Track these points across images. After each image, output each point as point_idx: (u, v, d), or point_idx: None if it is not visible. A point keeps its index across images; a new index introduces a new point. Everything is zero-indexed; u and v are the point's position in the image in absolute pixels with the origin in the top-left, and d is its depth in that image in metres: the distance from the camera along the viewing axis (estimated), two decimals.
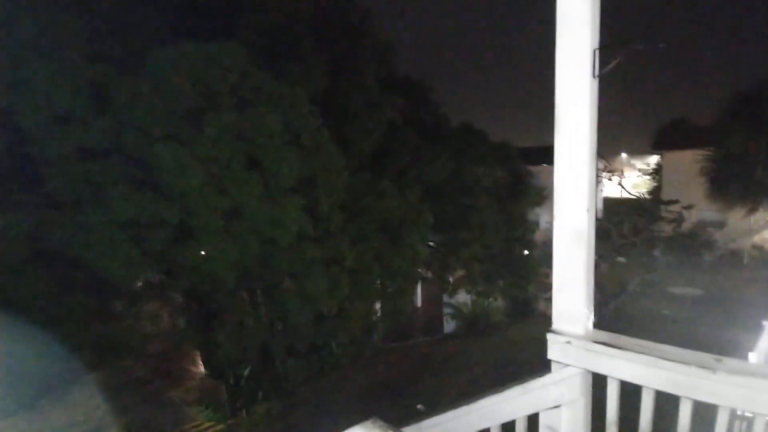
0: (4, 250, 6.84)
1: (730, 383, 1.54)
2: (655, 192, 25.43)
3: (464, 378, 11.14)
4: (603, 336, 1.88)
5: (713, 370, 1.57)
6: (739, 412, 1.64)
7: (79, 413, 10.43)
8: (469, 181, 12.75)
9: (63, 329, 7.51)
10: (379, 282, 10.41)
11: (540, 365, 2.02)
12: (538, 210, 16.40)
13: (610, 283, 13.82)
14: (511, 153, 14.21)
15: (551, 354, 1.93)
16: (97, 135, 7.08)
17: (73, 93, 6.96)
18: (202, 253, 7.65)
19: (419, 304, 17.85)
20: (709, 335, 10.41)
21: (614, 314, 13.09)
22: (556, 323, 1.94)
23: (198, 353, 12.17)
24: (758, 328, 6.98)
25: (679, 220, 17.16)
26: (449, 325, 15.82)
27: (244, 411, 10.25)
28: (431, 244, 13.07)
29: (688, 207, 17.12)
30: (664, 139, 23.91)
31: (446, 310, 15.78)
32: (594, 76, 1.76)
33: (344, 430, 1.17)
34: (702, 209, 17.19)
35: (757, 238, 17.80)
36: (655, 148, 25.06)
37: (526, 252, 14.63)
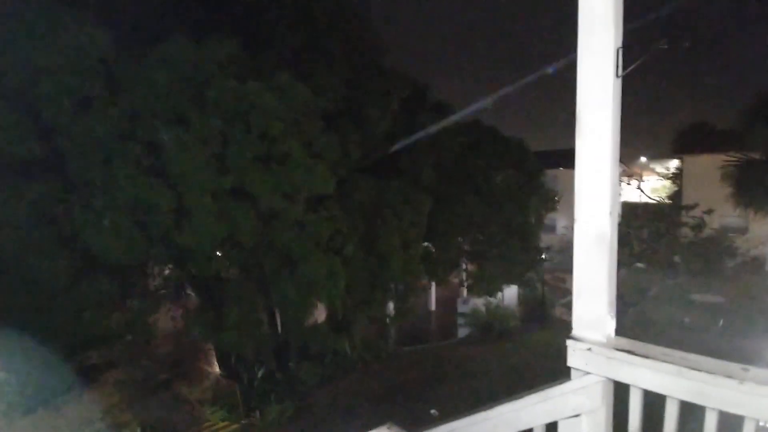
0: (34, 233, 7.09)
1: (759, 394, 1.47)
2: (675, 196, 24.94)
3: (479, 384, 11.03)
4: (625, 343, 1.82)
5: (740, 380, 1.51)
6: (762, 423, 1.57)
7: (96, 411, 10.59)
8: (482, 180, 12.65)
9: (85, 316, 7.70)
10: (382, 280, 10.28)
11: (557, 372, 1.97)
12: (553, 215, 16.20)
13: (629, 290, 13.56)
14: (526, 152, 14.07)
15: (571, 361, 1.88)
16: (113, 120, 7.31)
17: (91, 78, 7.21)
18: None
19: (433, 307, 17.76)
20: (731, 344, 10.17)
21: (634, 321, 12.83)
22: (577, 329, 1.89)
23: (213, 353, 12.28)
24: None
25: (700, 225, 16.78)
26: (463, 330, 15.69)
27: (257, 412, 10.29)
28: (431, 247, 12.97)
29: (709, 212, 16.74)
30: (685, 142, 23.46)
31: (460, 315, 15.66)
32: (617, 76, 1.71)
33: None
34: (724, 214, 16.81)
35: None
36: (675, 151, 24.62)
37: (543, 256, 14.45)
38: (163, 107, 7.53)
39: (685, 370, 1.60)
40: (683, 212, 17.76)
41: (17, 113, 7.05)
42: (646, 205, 29.67)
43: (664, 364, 1.64)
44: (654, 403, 1.76)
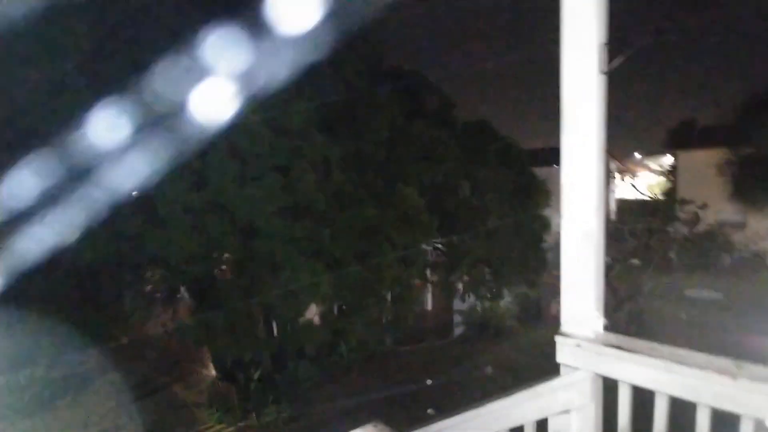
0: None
1: (753, 390, 1.47)
2: (669, 192, 25.05)
3: (476, 383, 11.05)
4: (614, 339, 1.82)
5: (734, 376, 1.50)
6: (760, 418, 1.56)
7: (93, 414, 10.57)
8: (479, 181, 12.66)
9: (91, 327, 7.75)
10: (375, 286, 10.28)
11: (552, 369, 1.97)
12: (547, 212, 16.23)
13: (623, 286, 13.62)
14: (521, 153, 14.10)
15: (560, 357, 1.88)
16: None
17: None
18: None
19: (429, 306, 17.78)
20: (728, 340, 10.23)
21: (628, 318, 12.89)
22: (566, 325, 1.90)
23: (209, 355, 12.25)
24: None
25: (694, 221, 16.87)
26: (460, 329, 15.71)
27: (254, 414, 10.27)
28: (438, 246, 12.99)
29: (703, 207, 16.82)
30: (676, 138, 23.61)
31: (456, 313, 15.68)
32: (601, 72, 1.71)
33: None
34: (720, 210, 16.89)
35: None
36: (668, 148, 24.72)
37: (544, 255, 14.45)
38: None
39: (674, 365, 1.60)
40: (678, 208, 17.87)
41: None
42: (640, 201, 29.80)
43: (653, 359, 1.64)
44: (649, 399, 1.76)
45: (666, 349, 1.68)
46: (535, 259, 13.47)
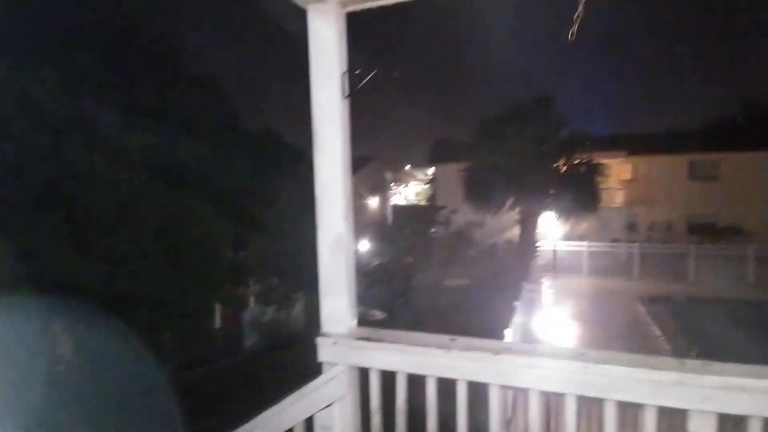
0: None
1: (463, 358, 1.85)
2: (431, 199, 29.41)
3: (264, 397, 10.86)
4: (365, 332, 2.06)
5: (448, 349, 1.87)
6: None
7: None
8: (267, 189, 12.63)
9: None
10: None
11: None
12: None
13: (398, 282, 15.40)
14: (310, 160, 14.57)
15: (321, 356, 2.03)
16: None
17: None
18: None
19: (218, 324, 16.81)
20: (473, 318, 12.43)
21: (402, 308, 14.59)
22: (325, 326, 2.06)
23: None
24: (512, 308, 8.72)
25: (447, 222, 20.29)
26: (251, 341, 15.28)
27: None
28: (229, 257, 12.47)
29: (453, 211, 20.35)
30: (436, 153, 27.92)
31: (246, 326, 15.22)
32: (344, 97, 1.93)
33: None
34: (467, 212, 20.49)
35: (508, 234, 22.04)
36: (430, 161, 29.03)
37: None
38: None
39: (408, 347, 1.90)
40: (436, 212, 21.21)
41: None
42: (411, 207, 34.15)
43: (393, 344, 1.92)
44: (415, 382, 2.02)
45: (404, 334, 1.99)
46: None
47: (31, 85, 8.47)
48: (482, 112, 17.09)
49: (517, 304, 8.87)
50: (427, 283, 16.82)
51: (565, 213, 16.48)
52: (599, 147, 17.22)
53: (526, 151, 15.00)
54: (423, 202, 33.57)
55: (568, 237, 18.09)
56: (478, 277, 18.93)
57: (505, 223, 20.13)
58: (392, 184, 35.37)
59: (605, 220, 20.89)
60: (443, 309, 13.99)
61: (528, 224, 16.52)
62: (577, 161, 16.18)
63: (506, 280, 14.78)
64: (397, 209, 32.60)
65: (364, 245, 18.20)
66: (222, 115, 13.08)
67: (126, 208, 8.88)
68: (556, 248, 15.28)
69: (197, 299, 10.42)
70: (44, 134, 8.68)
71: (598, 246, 15.80)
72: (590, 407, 1.76)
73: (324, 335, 2.04)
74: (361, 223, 23.84)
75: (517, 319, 8.39)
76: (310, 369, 2.14)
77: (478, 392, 1.91)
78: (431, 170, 33.49)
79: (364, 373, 2.06)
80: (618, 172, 22.25)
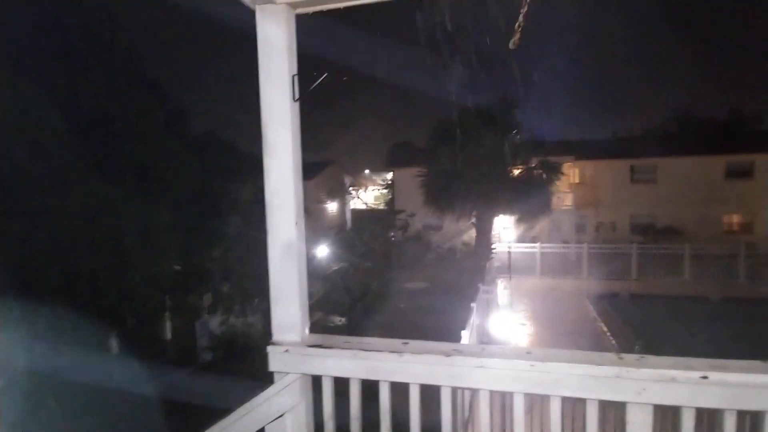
0: None
1: (415, 362, 1.85)
2: (390, 203, 29.55)
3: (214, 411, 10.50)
4: (317, 339, 2.03)
5: (400, 353, 1.87)
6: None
7: None
8: (217, 195, 12.29)
9: None
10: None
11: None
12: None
13: (357, 286, 15.34)
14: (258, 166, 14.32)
15: (272, 365, 1.99)
16: None
17: None
18: None
19: (169, 336, 16.15)
20: (432, 320, 12.56)
21: (362, 313, 14.55)
22: (276, 335, 2.02)
23: None
24: (469, 309, 8.87)
25: (405, 226, 20.45)
26: (207, 353, 14.77)
27: None
28: (177, 267, 12.02)
29: (412, 215, 20.54)
30: (394, 157, 28.09)
31: (201, 337, 14.71)
32: (294, 100, 1.91)
33: None
34: (426, 216, 20.72)
35: (465, 237, 22.43)
36: (388, 165, 29.18)
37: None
38: None
39: (361, 353, 1.89)
40: (395, 216, 21.32)
41: None
42: (370, 211, 34.19)
43: (346, 351, 1.90)
44: (370, 387, 1.99)
45: (356, 339, 1.98)
46: None
47: None
48: (440, 116, 17.31)
49: (474, 305, 9.04)
50: (386, 287, 16.86)
51: (519, 216, 17.00)
52: (550, 152, 17.89)
53: (482, 156, 15.35)
54: (382, 206, 33.71)
55: (522, 239, 18.65)
56: (436, 279, 19.16)
57: (463, 227, 20.51)
58: (351, 189, 35.30)
59: (556, 222, 21.71)
60: (403, 312, 14.06)
61: (484, 228, 16.90)
62: (530, 166, 16.74)
63: (463, 282, 15.06)
64: (356, 213, 32.56)
65: (323, 250, 18.03)
66: (167, 118, 12.66)
67: (53, 200, 8.38)
68: (511, 250, 15.71)
69: (142, 307, 9.95)
70: None
71: (550, 247, 16.38)
72: (542, 404, 1.81)
73: (274, 344, 1.99)
74: (319, 227, 23.63)
75: (474, 320, 8.56)
76: (266, 379, 2.09)
77: (435, 394, 1.93)
78: (390, 175, 33.74)
79: (317, 381, 2.03)
80: (567, 176, 23.24)
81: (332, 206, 31.06)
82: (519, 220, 17.35)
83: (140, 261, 9.03)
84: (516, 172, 16.67)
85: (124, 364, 10.51)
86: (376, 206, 36.16)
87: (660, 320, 10.86)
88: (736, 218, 22.97)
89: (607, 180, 24.50)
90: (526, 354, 1.63)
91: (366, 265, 18.51)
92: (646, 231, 22.46)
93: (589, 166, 24.75)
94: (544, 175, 16.48)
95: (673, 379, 1.45)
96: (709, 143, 24.13)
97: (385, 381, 1.91)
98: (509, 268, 14.94)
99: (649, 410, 1.51)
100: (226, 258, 12.16)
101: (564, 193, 23.07)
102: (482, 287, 11.33)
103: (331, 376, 1.96)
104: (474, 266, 15.50)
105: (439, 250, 22.55)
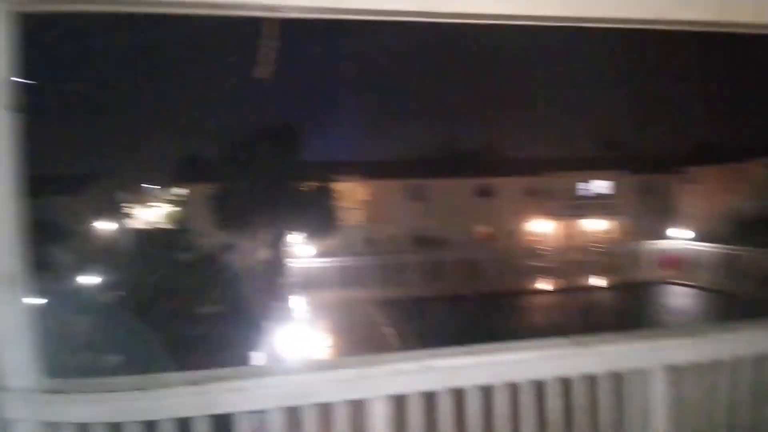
0: None
1: (166, 396, 1.76)
2: (179, 221, 27.00)
3: None
4: (56, 384, 1.78)
5: (146, 389, 1.74)
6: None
7: None
8: None
9: None
10: None
11: None
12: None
13: (138, 316, 13.54)
14: None
15: (4, 413, 1.66)
16: None
17: None
18: None
19: None
20: (225, 344, 11.91)
21: (142, 346, 12.89)
22: (7, 379, 1.69)
23: None
24: (264, 328, 8.68)
25: (194, 246, 19.02)
26: None
27: None
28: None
29: (201, 234, 19.25)
30: (181, 172, 26.01)
31: None
32: (5, 107, 1.64)
33: None
34: (218, 235, 19.59)
35: (260, 255, 21.94)
36: (174, 180, 26.78)
37: None
38: None
39: (105, 395, 1.72)
40: (183, 235, 19.59)
41: None
42: (155, 230, 30.58)
43: (85, 395, 1.71)
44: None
45: (99, 381, 1.79)
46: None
47: None
48: (229, 134, 16.81)
49: (269, 323, 8.97)
50: (173, 314, 15.31)
51: (311, 232, 17.59)
52: (341, 171, 19.14)
53: (271, 174, 15.44)
54: (169, 225, 30.57)
55: (316, 254, 19.28)
56: (230, 301, 18.26)
57: (257, 245, 20.12)
58: (129, 206, 31.15)
59: (348, 237, 23.17)
60: (192, 340, 12.95)
61: (277, 245, 16.94)
62: (318, 184, 17.58)
63: (258, 301, 14.77)
64: (137, 234, 28.81)
65: (95, 278, 15.49)
66: None
67: None
68: (305, 265, 16.10)
69: None
70: None
71: (342, 260, 17.35)
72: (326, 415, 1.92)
73: (5, 390, 1.66)
74: (88, 251, 20.12)
75: (269, 338, 8.48)
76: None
77: (225, 423, 1.84)
78: (178, 190, 30.98)
79: (57, 429, 1.76)
80: (355, 194, 25.22)
81: (105, 226, 26.92)
82: (312, 236, 17.99)
83: None
84: (307, 190, 17.28)
85: None
86: (162, 225, 32.62)
87: (435, 320, 12.56)
88: (483, 229, 28.59)
89: (390, 198, 27.58)
90: (282, 369, 1.72)
91: (148, 292, 16.53)
92: (423, 242, 25.86)
93: (375, 185, 27.51)
94: (332, 193, 17.56)
95: (401, 372, 1.73)
96: (466, 168, 29.47)
97: (132, 422, 1.75)
98: (304, 284, 15.27)
99: (386, 401, 1.76)
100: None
101: (353, 210, 24.89)
102: (278, 304, 11.31)
103: (73, 423, 1.72)
104: (269, 284, 15.38)
105: (233, 270, 21.59)
